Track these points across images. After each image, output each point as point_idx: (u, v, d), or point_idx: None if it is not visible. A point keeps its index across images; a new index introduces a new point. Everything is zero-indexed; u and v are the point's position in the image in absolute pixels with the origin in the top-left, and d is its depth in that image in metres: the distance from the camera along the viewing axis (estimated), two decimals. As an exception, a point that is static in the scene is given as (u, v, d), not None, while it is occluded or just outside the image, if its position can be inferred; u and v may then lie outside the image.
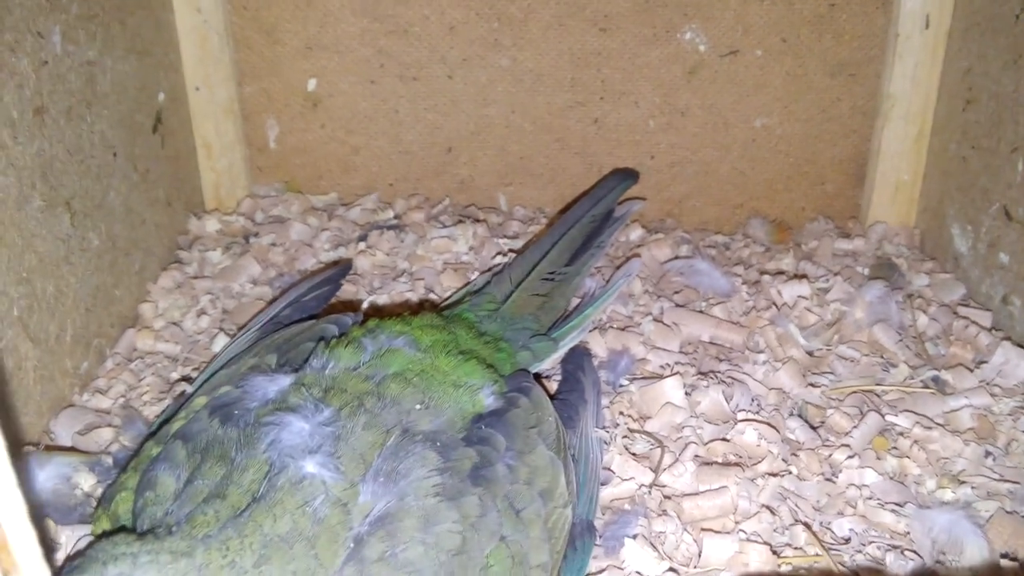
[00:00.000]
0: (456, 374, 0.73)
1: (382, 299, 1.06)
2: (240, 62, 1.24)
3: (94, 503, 0.75)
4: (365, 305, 1.05)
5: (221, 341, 0.99)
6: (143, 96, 1.09)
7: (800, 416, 0.89)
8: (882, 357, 0.98)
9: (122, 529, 0.64)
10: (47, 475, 0.74)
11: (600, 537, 0.75)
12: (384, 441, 0.65)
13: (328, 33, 1.23)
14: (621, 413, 0.88)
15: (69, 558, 0.68)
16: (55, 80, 0.89)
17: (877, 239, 1.22)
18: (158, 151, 1.14)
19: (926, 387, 0.93)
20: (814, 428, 0.88)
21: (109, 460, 0.79)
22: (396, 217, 1.24)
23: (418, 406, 0.68)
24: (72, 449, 0.82)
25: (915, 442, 0.85)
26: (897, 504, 0.79)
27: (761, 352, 0.98)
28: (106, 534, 0.63)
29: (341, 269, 1.04)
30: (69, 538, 0.71)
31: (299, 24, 1.23)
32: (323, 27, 1.23)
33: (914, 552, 0.74)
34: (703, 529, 0.75)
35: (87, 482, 0.75)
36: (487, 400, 0.72)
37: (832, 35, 1.21)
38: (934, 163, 1.21)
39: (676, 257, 1.17)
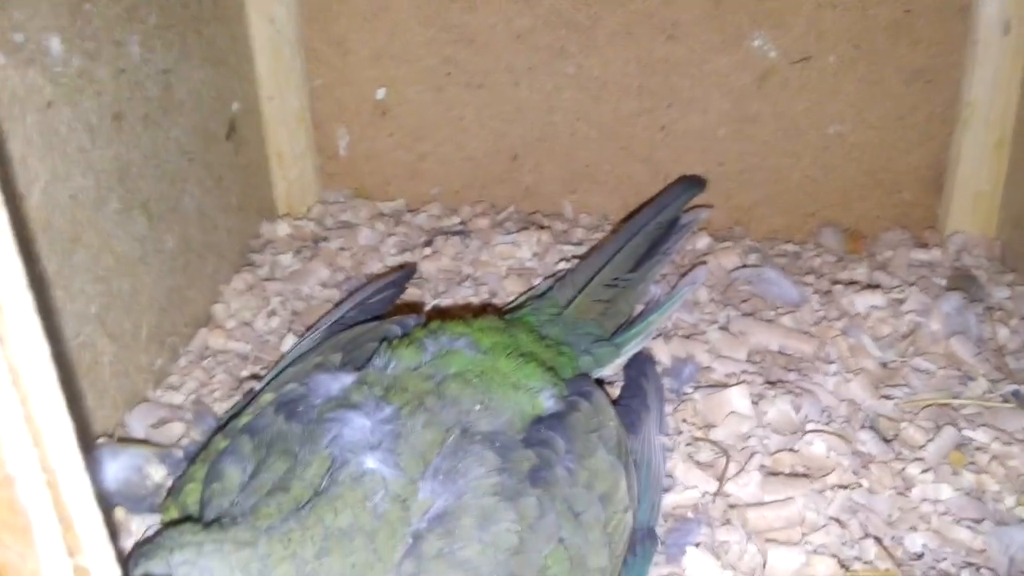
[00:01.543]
0: (516, 376, 0.73)
1: (446, 303, 1.07)
2: (311, 72, 1.27)
3: (164, 493, 0.77)
4: (428, 308, 1.05)
5: (290, 341, 1.01)
6: (217, 104, 1.13)
7: (872, 428, 0.87)
8: (959, 370, 0.95)
9: (189, 519, 0.65)
10: (120, 465, 0.76)
11: (662, 544, 0.74)
12: (443, 440, 0.65)
13: (396, 43, 1.25)
14: (684, 421, 0.87)
15: (137, 544, 0.70)
16: (133, 87, 0.92)
17: (955, 250, 1.18)
18: (231, 158, 1.16)
19: (1006, 401, 0.89)
20: (887, 441, 0.85)
21: (180, 453, 0.81)
22: (462, 223, 1.25)
23: (477, 407, 0.68)
24: (145, 442, 0.84)
25: (994, 457, 0.82)
26: (974, 520, 0.76)
27: (832, 363, 0.96)
28: (173, 523, 0.65)
29: (405, 273, 1.05)
30: (139, 526, 0.73)
31: (368, 34, 1.25)
32: (391, 37, 1.24)
33: (990, 570, 0.71)
34: (768, 540, 0.74)
35: (158, 473, 0.77)
36: (547, 403, 0.72)
37: (908, 41, 1.18)
38: (1015, 171, 1.17)
39: (744, 265, 1.15)
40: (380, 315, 0.94)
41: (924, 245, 1.20)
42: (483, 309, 1.05)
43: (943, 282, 1.10)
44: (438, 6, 1.22)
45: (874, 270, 1.14)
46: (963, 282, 1.09)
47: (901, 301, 1.05)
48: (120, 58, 0.90)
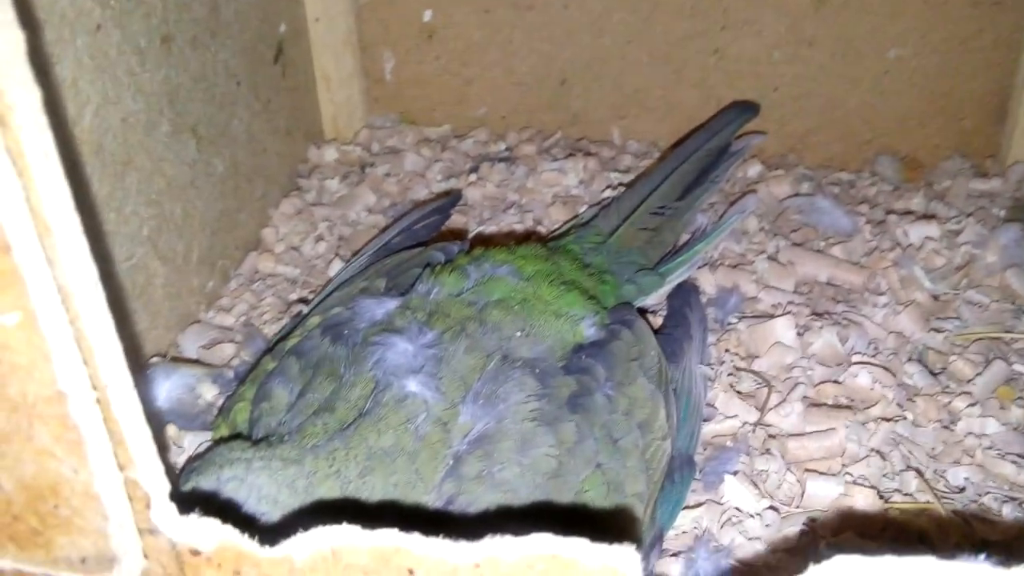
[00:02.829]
0: (558, 304, 0.73)
1: (490, 230, 1.07)
2: (359, -8, 1.26)
3: (215, 412, 0.79)
4: (471, 235, 1.05)
5: (336, 266, 1.02)
6: (265, 27, 1.12)
7: (920, 361, 0.85)
8: (1013, 304, 0.93)
9: (238, 436, 0.67)
10: (173, 384, 0.79)
11: (700, 472, 0.75)
12: (484, 365, 0.66)
13: (445, -38, 1.22)
14: (727, 351, 0.87)
15: (190, 460, 0.73)
16: (180, 9, 0.92)
17: (1016, 180, 1.14)
18: (279, 81, 1.16)
19: (1061, 336, 0.87)
20: (934, 374, 0.84)
21: (230, 373, 0.83)
22: (508, 150, 1.24)
23: (518, 333, 0.69)
24: (197, 362, 0.86)
25: (1044, 393, 0.81)
26: (1019, 456, 0.75)
27: (882, 294, 0.94)
28: (223, 440, 0.67)
29: (451, 199, 1.05)
30: (191, 443, 0.76)
31: (416, -47, 1.22)
32: (440, -44, 1.22)
33: (1034, 505, 0.71)
34: (807, 470, 0.74)
35: (210, 392, 0.80)
36: (588, 331, 0.72)
37: (978, -41, 1.12)
38: (1086, 98, 1.12)
39: (796, 194, 1.13)
40: (425, 241, 0.95)
41: (984, 175, 1.16)
42: (527, 237, 1.05)
43: (1002, 213, 1.07)
44: (487, -76, 1.19)
45: (931, 200, 1.11)
46: (1022, 213, 1.05)
47: (957, 232, 1.02)
48: (167, -20, 0.90)
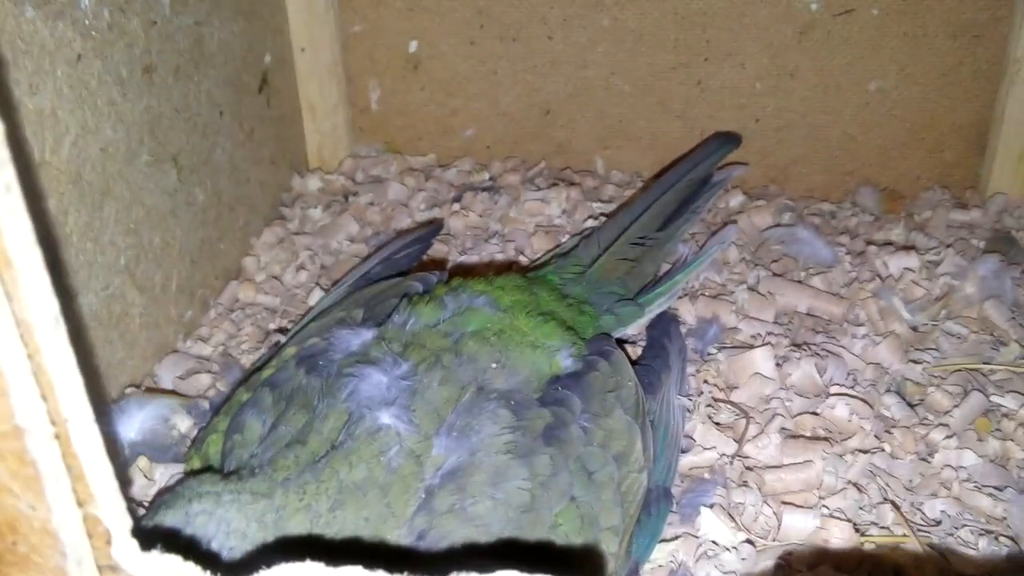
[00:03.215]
0: (534, 335, 0.73)
1: (472, 260, 1.07)
2: (344, 24, 1.26)
3: (188, 443, 0.79)
4: (450, 265, 1.05)
5: (317, 295, 1.02)
6: (250, 57, 1.13)
7: (897, 393, 0.85)
8: (992, 335, 0.93)
9: (209, 469, 0.67)
10: (146, 415, 0.78)
11: (677, 504, 0.74)
12: (459, 397, 0.66)
13: (430, -6, 1.23)
14: (706, 382, 0.87)
15: (159, 492, 0.72)
16: (164, 40, 0.92)
17: (996, 211, 1.15)
18: (264, 111, 1.17)
19: (1039, 368, 0.87)
20: (912, 406, 0.84)
21: (206, 404, 0.83)
22: (491, 179, 1.24)
23: (494, 365, 0.69)
24: (172, 392, 0.86)
25: (1020, 424, 0.80)
26: (996, 488, 0.75)
27: (861, 325, 0.94)
28: (194, 473, 0.67)
29: (432, 229, 1.05)
30: (162, 475, 0.75)
31: (402, -15, 1.24)
32: (425, -12, 1.23)
33: (1010, 539, 0.70)
34: (784, 502, 0.74)
35: (184, 424, 0.79)
36: (565, 362, 0.72)
37: (956, -7, 1.14)
38: (1064, 131, 1.13)
39: (777, 225, 1.13)
40: (406, 271, 0.95)
41: (964, 206, 1.17)
42: (508, 267, 1.05)
43: (981, 244, 1.08)
44: (471, -43, 1.20)
45: (911, 231, 1.12)
46: (1002, 244, 1.06)
47: (937, 263, 1.03)
48: (151, 10, 0.91)
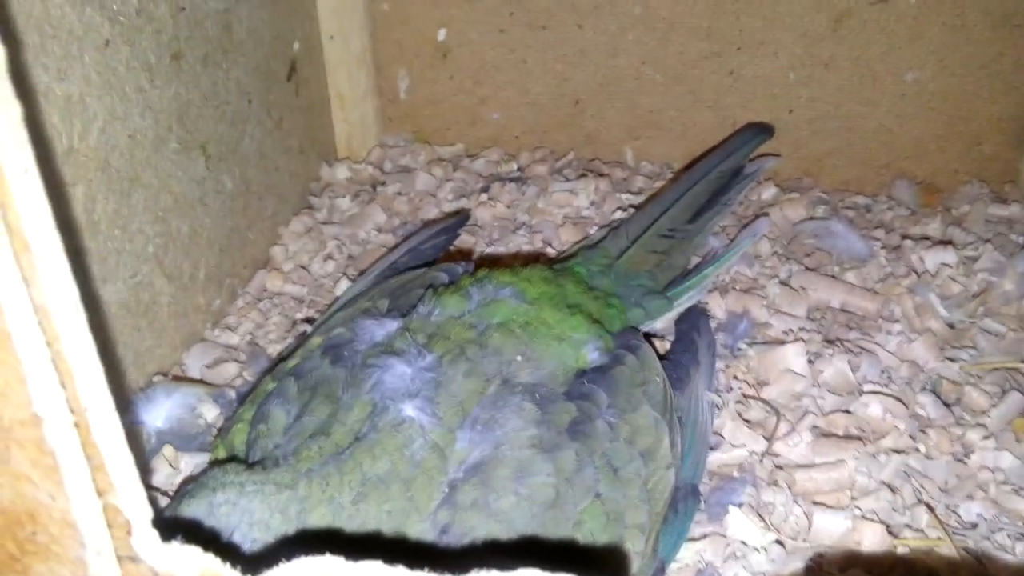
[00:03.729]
0: (560, 328, 0.72)
1: (499, 251, 1.06)
2: (373, 11, 1.26)
3: (214, 432, 0.78)
4: (476, 256, 1.05)
5: (344, 285, 1.01)
6: (278, 44, 1.12)
7: (933, 391, 0.83)
8: (1032, 333, 0.90)
9: (234, 459, 0.66)
10: (174, 403, 0.78)
11: (704, 503, 0.73)
12: (483, 390, 0.65)
13: (459, -19, 1.22)
14: (735, 377, 0.85)
15: (184, 482, 0.72)
16: (192, 26, 0.92)
17: (1037, 206, 1.12)
18: (292, 100, 1.16)
19: (1081, 368, 0.85)
20: (948, 405, 0.82)
21: (232, 393, 0.83)
22: (519, 169, 1.23)
23: (519, 357, 0.68)
24: (200, 381, 0.86)
25: (1062, 426, 0.78)
26: (1035, 491, 0.73)
27: (896, 322, 0.92)
28: (219, 462, 0.66)
29: (459, 220, 1.04)
30: (187, 464, 0.75)
31: (431, -27, 1.22)
32: (454, -24, 1.22)
33: (1050, 544, 0.68)
34: (815, 503, 0.72)
35: (210, 413, 0.79)
36: (591, 355, 0.71)
37: (998, -19, 1.11)
38: (1110, 123, 1.10)
39: (811, 218, 1.11)
40: (432, 261, 0.94)
41: (1003, 200, 1.14)
42: (536, 258, 1.04)
43: (1021, 240, 1.05)
44: (502, -56, 1.19)
45: (948, 225, 1.09)
46: (1044, 241, 1.03)
47: (974, 259, 1.00)
48: (179, -3, 0.90)
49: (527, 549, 0.58)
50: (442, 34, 1.26)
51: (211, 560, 0.43)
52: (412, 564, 0.42)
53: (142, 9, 0.84)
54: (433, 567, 0.42)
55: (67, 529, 0.41)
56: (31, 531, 0.42)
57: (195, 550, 0.43)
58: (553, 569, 0.41)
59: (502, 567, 0.42)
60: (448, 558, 0.57)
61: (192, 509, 0.57)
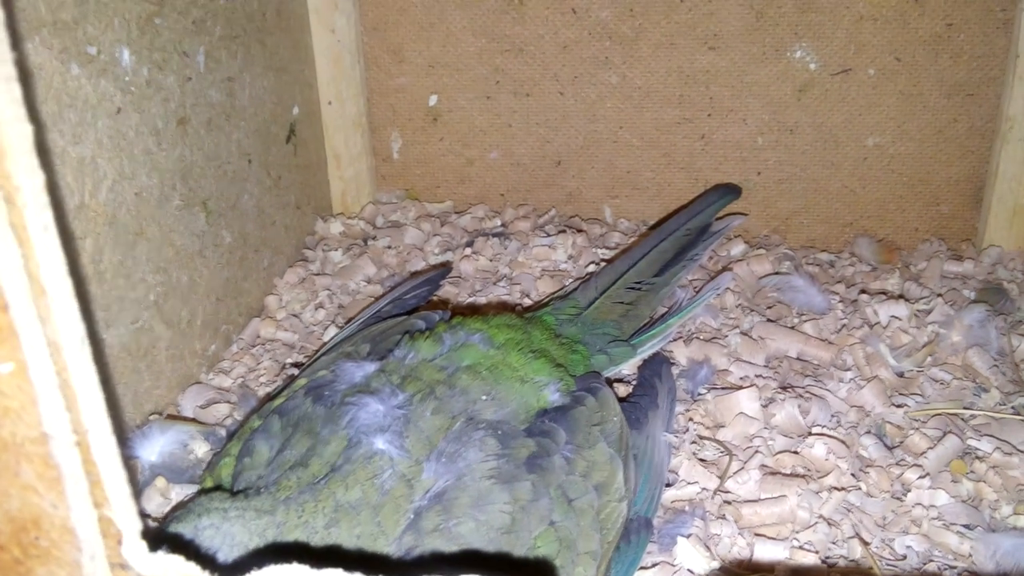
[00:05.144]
0: (525, 371, 0.79)
1: (480, 301, 1.13)
2: (369, 79, 1.35)
3: (204, 466, 0.84)
4: (451, 305, 1.11)
5: (332, 332, 1.08)
6: (279, 109, 1.21)
7: (877, 435, 0.89)
8: (974, 382, 0.96)
9: (219, 488, 0.72)
10: (167, 440, 0.84)
11: (657, 534, 0.78)
12: (450, 426, 0.71)
13: (449, 52, 1.31)
14: (692, 420, 0.91)
15: (173, 508, 0.78)
16: (198, 94, 1.00)
17: (990, 263, 1.19)
18: (291, 159, 1.25)
19: (1016, 414, 0.91)
20: (890, 448, 0.88)
21: (223, 431, 0.89)
22: (503, 225, 1.31)
23: (484, 397, 0.74)
24: (192, 420, 0.92)
25: (993, 467, 0.84)
26: (966, 527, 0.78)
27: (847, 370, 0.98)
28: (204, 491, 0.72)
29: (442, 272, 1.11)
30: (178, 494, 0.81)
31: (423, 44, 1.31)
32: (444, 47, 1.31)
33: (972, 574, 0.73)
34: (757, 534, 0.78)
35: (201, 449, 0.85)
36: (552, 396, 0.77)
37: (949, 55, 1.19)
38: (1056, 186, 1.17)
39: (775, 272, 1.18)
40: (414, 310, 1.01)
41: (959, 257, 1.21)
42: (513, 308, 1.11)
43: (972, 295, 1.11)
44: (489, 18, 1.28)
45: (907, 281, 1.16)
46: (991, 295, 1.10)
47: (927, 312, 1.07)
48: (186, 67, 0.99)
49: (483, 566, 0.64)
50: (433, 100, 1.35)
51: (192, 567, 0.49)
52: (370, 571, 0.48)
53: (152, 79, 0.92)
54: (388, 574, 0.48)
55: (66, 535, 0.47)
56: (35, 536, 0.48)
57: (178, 559, 0.49)
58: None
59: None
60: (406, 566, 0.63)
61: (179, 531, 0.63)
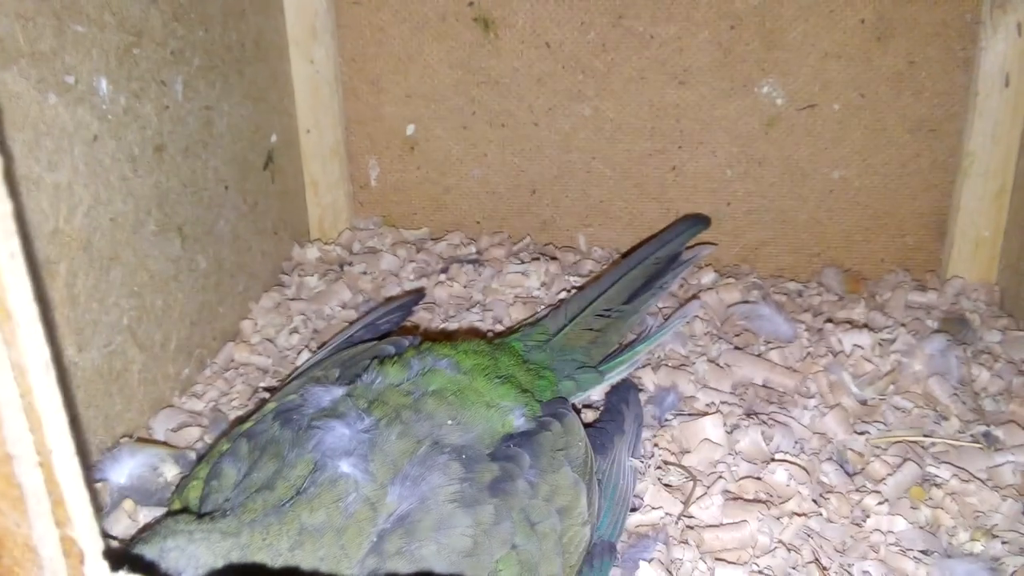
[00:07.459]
0: (490, 396, 0.80)
1: (453, 327, 1.14)
2: (347, 109, 1.37)
3: (173, 489, 0.85)
4: (428, 331, 1.13)
5: (305, 356, 1.09)
6: (256, 137, 1.23)
7: (837, 461, 0.91)
8: (935, 410, 0.98)
9: (186, 511, 0.73)
10: (136, 463, 0.85)
11: (620, 558, 0.80)
12: (415, 450, 0.72)
13: (426, 83, 1.34)
14: (657, 446, 0.93)
15: (139, 530, 0.79)
16: (175, 122, 1.02)
17: (953, 294, 1.21)
18: (268, 186, 1.26)
19: (975, 442, 0.93)
20: (851, 474, 0.89)
21: (193, 455, 0.90)
22: (478, 252, 1.32)
23: (450, 421, 0.75)
24: (163, 443, 0.93)
25: (951, 494, 0.86)
26: (923, 552, 0.80)
27: (811, 398, 1.00)
28: (171, 513, 0.73)
29: (414, 298, 1.12)
30: (146, 517, 0.82)
31: (401, 75, 1.34)
32: (422, 78, 1.33)
33: (926, 599, 0.75)
34: (718, 559, 0.79)
35: (170, 472, 0.86)
36: (517, 421, 0.79)
37: (912, 92, 1.22)
38: (1015, 219, 1.20)
39: (744, 301, 1.20)
40: (386, 335, 1.02)
41: (923, 288, 1.23)
42: (484, 335, 1.13)
43: (935, 324, 1.14)
44: (466, 51, 1.31)
45: (872, 310, 1.18)
46: (953, 325, 1.12)
47: (891, 341, 1.09)
48: (164, 96, 1.01)
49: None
50: (410, 129, 1.37)
51: (153, 587, 0.50)
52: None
53: (129, 108, 0.94)
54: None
55: (28, 554, 0.48)
56: (-2, 556, 0.49)
57: (139, 578, 0.50)
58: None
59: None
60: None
61: (144, 553, 0.64)
